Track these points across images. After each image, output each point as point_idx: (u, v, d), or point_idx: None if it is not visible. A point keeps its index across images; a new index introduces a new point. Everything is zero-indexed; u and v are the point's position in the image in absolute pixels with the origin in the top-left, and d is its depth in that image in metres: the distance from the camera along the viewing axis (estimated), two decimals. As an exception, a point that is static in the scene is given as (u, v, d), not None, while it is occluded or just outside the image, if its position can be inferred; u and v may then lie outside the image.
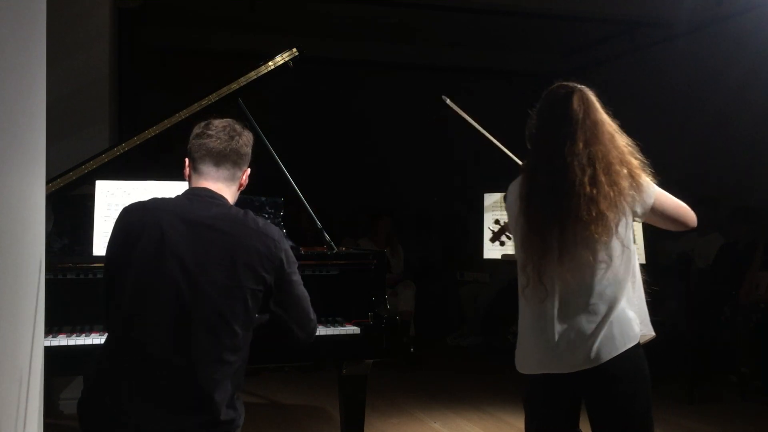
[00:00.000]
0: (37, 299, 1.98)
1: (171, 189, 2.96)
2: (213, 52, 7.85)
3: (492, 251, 3.64)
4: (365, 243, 6.55)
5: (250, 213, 2.25)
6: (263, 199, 3.35)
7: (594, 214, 2.13)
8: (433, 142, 8.52)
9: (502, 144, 3.27)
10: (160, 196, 2.33)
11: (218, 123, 2.31)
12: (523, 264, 2.27)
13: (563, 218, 2.18)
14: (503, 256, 3.45)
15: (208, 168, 2.27)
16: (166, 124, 3.20)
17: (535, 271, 2.22)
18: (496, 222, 3.04)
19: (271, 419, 4.67)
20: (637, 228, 2.69)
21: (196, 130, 2.32)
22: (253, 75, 3.30)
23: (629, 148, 2.26)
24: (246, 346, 2.19)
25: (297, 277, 2.29)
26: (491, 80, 8.84)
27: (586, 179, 2.16)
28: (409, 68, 8.81)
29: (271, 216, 3.34)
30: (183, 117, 3.21)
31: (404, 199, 8.54)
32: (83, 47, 4.82)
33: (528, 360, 2.30)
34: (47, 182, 2.69)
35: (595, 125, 2.23)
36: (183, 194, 2.28)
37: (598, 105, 2.28)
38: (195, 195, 2.24)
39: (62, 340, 2.73)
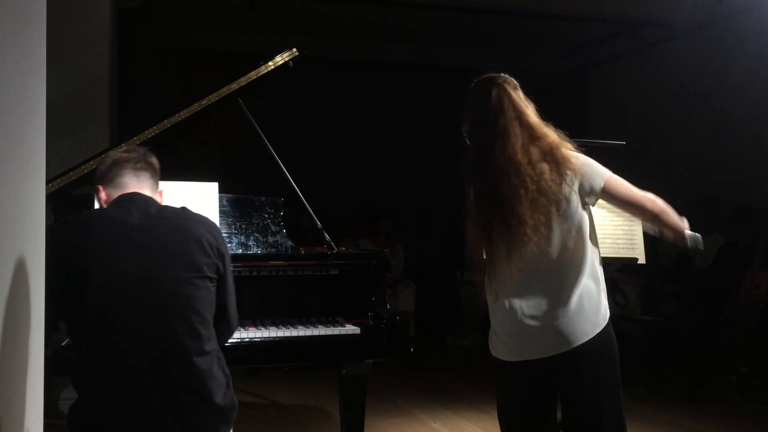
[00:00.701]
0: (37, 299, 1.97)
1: (171, 189, 2.96)
2: (213, 52, 7.85)
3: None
4: (365, 243, 6.55)
5: (186, 207, 2.27)
6: (263, 199, 3.35)
7: (517, 217, 2.19)
8: (433, 141, 8.52)
9: None
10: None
11: (122, 149, 2.39)
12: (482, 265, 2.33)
13: (502, 219, 2.22)
14: None
15: (129, 179, 2.27)
16: (166, 124, 3.20)
17: (490, 271, 2.29)
18: None
19: (271, 419, 4.66)
20: (638, 227, 2.67)
21: (102, 162, 2.34)
22: (253, 75, 3.30)
23: (555, 135, 2.26)
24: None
25: (231, 268, 2.30)
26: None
27: (502, 185, 2.21)
28: (409, 68, 8.81)
29: (271, 216, 3.34)
30: (183, 117, 3.21)
31: (404, 199, 8.54)
32: (83, 47, 4.83)
33: (501, 349, 2.33)
34: (47, 182, 2.69)
35: (507, 126, 2.24)
36: (113, 203, 2.22)
37: (513, 96, 2.28)
38: (127, 200, 2.21)
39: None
